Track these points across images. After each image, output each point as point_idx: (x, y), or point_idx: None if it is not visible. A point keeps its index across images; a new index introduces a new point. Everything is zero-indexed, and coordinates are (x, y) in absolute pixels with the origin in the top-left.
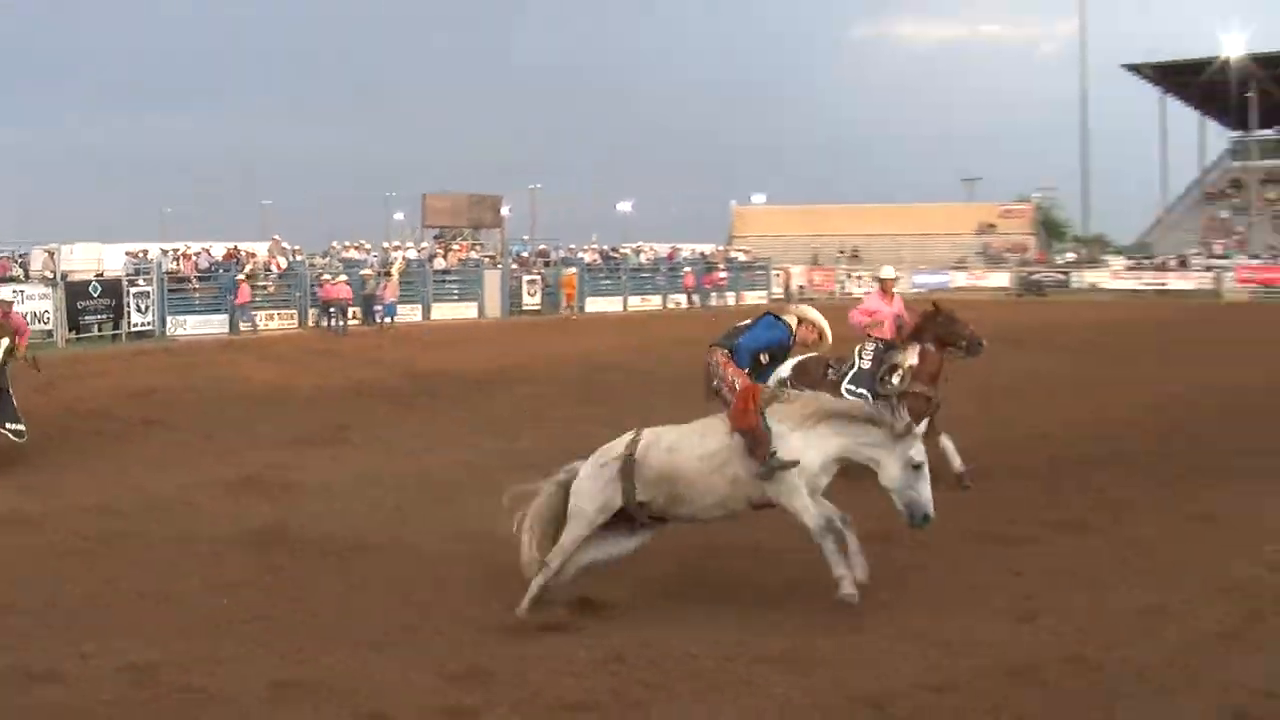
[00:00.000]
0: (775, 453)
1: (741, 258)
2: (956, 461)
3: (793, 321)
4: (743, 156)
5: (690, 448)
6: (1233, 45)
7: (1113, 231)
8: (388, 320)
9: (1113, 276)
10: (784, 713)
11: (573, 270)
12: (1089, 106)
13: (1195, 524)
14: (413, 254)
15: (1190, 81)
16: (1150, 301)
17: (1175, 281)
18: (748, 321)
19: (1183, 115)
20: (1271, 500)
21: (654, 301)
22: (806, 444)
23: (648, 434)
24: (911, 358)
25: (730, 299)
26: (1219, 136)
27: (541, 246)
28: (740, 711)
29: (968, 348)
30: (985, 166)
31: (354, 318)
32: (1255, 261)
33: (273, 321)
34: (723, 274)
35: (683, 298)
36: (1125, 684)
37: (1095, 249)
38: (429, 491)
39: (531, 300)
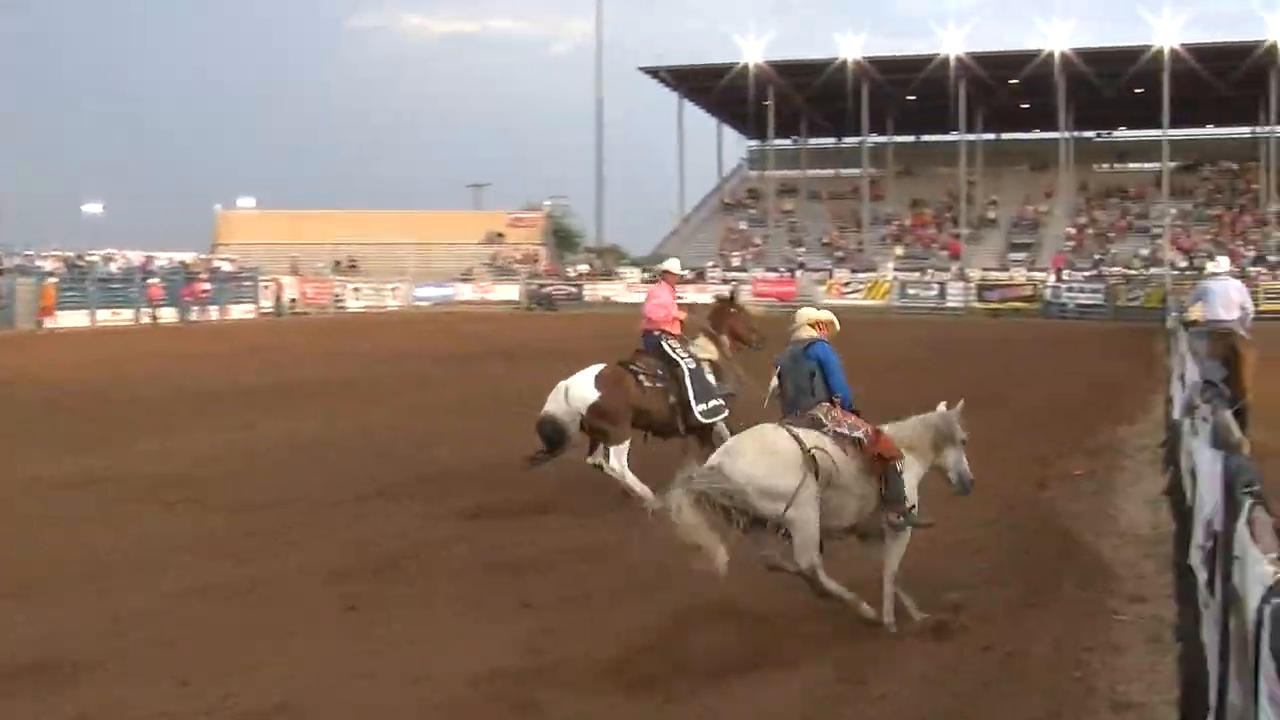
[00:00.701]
0: (914, 507)
1: (227, 267)
2: None
3: (816, 333)
4: (230, 156)
5: (847, 459)
6: (751, 51)
7: (628, 242)
8: None
9: (628, 289)
10: None
11: (52, 280)
12: (605, 110)
13: None
14: None
15: (710, 87)
16: None
17: (692, 294)
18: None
19: (704, 122)
20: None
21: (126, 315)
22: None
23: (803, 433)
24: (711, 351)
25: (214, 313)
26: (739, 145)
27: None
28: None
29: (756, 343)
30: (494, 172)
31: None
32: (772, 275)
33: None
34: (206, 285)
35: (167, 311)
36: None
37: (609, 260)
38: None
39: None
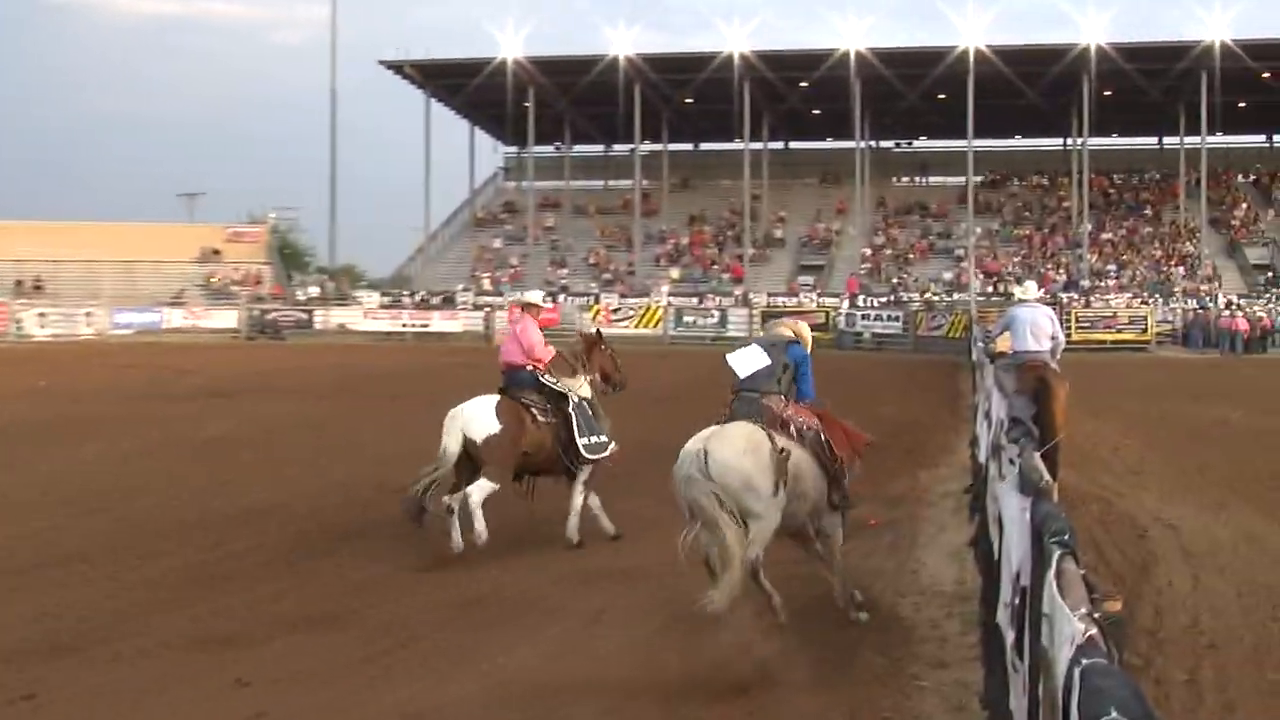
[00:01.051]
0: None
1: None
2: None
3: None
4: None
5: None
6: (510, 45)
7: (367, 261)
8: None
9: (366, 316)
10: None
11: None
12: (341, 109)
13: (464, 608)
14: None
15: (461, 85)
16: (410, 346)
17: (440, 322)
18: (760, 360)
19: (456, 126)
20: (557, 577)
21: None
22: None
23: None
24: (586, 390)
25: None
26: (495, 152)
27: None
28: None
29: (620, 384)
30: (210, 180)
31: None
32: None
33: None
34: None
35: None
36: None
37: (345, 282)
38: None
39: None
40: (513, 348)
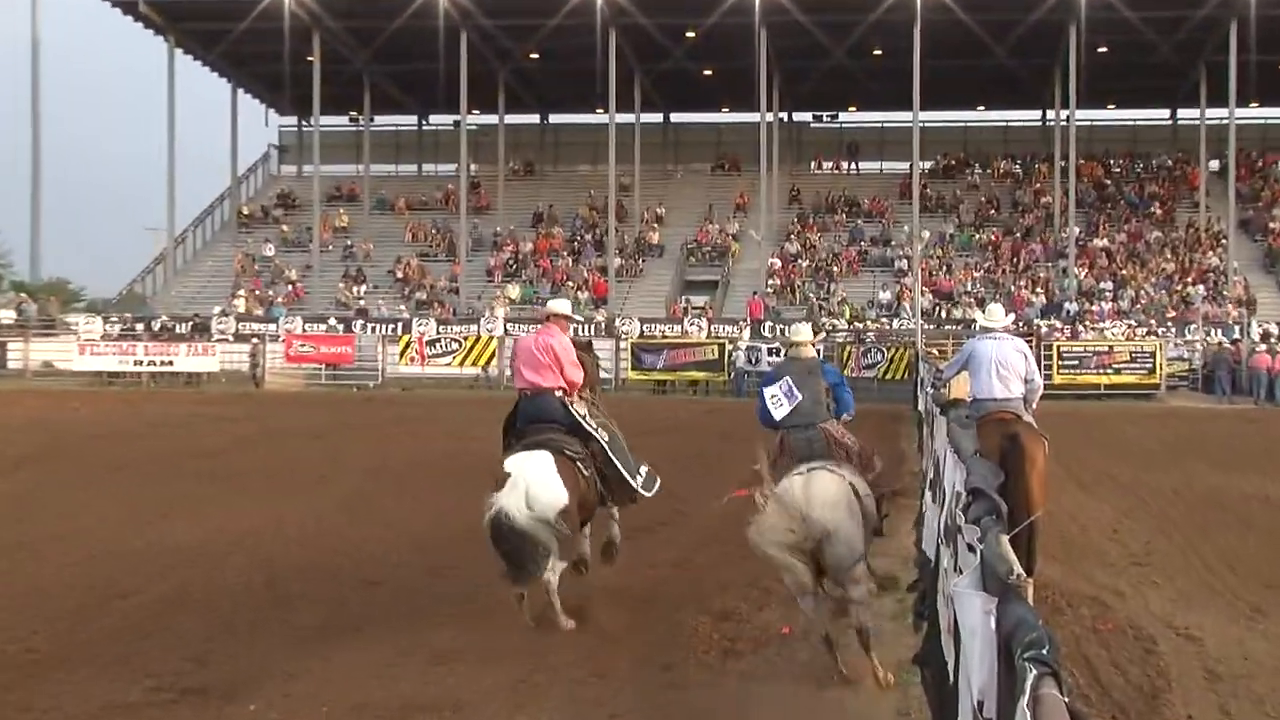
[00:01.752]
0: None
1: None
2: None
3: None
4: None
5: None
6: None
7: (86, 276)
8: None
9: (83, 351)
10: None
11: None
12: (47, 62)
13: None
14: None
15: (220, 32)
16: (145, 393)
17: (189, 359)
18: (794, 395)
19: (215, 89)
20: (343, 713)
21: None
22: None
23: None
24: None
25: None
26: (268, 126)
27: None
28: None
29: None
30: None
31: None
32: (318, 329)
33: None
34: None
35: None
36: None
37: (53, 304)
38: None
39: None
40: (540, 365)
